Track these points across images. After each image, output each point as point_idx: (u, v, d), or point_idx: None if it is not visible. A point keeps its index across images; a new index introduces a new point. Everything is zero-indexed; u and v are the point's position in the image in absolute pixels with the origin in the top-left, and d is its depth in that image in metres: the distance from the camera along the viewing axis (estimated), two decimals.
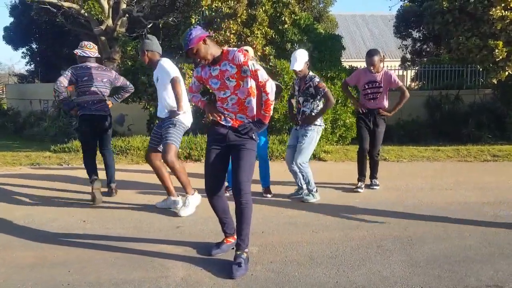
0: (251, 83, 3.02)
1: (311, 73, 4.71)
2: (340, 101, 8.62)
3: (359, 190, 5.11)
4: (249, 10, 8.47)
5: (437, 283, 2.81)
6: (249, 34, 8.27)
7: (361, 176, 5.22)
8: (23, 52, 19.07)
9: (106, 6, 11.99)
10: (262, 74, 2.95)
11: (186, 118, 4.33)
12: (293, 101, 4.96)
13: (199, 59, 2.96)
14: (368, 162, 5.29)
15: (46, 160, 7.16)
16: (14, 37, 17.93)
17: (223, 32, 8.04)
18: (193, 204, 4.29)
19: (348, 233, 3.71)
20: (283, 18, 8.70)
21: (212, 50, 2.94)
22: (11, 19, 17.87)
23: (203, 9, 8.33)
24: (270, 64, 8.35)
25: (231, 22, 8.11)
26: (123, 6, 12.39)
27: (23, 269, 2.99)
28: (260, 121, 3.06)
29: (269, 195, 4.93)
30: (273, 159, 7.02)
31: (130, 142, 7.76)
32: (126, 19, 12.95)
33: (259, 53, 8.38)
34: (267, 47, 8.54)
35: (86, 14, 12.56)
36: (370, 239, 3.58)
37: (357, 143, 5.47)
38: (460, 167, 6.70)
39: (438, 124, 10.20)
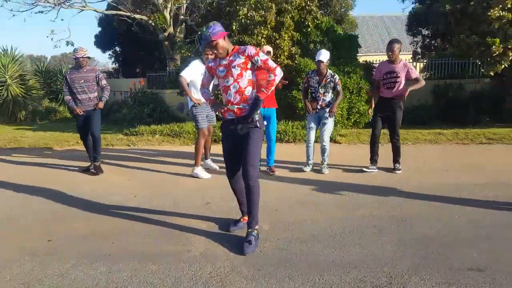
0: (253, 77, 2.80)
1: (330, 71, 4.62)
2: (354, 91, 8.07)
3: (366, 170, 4.67)
4: (278, 17, 7.99)
5: (423, 265, 2.46)
6: (277, 37, 7.83)
7: (372, 159, 4.74)
8: (109, 54, 19.57)
9: (168, 17, 11.94)
10: (271, 62, 2.78)
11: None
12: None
13: (215, 51, 2.72)
14: (391, 147, 4.76)
15: (118, 142, 7.21)
16: (102, 43, 18.44)
17: (255, 37, 7.64)
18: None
19: (350, 212, 3.38)
20: (307, 23, 8.14)
21: (227, 46, 2.74)
22: (99, 29, 18.33)
23: (240, 17, 7.94)
24: (296, 62, 7.90)
25: (262, 28, 7.69)
26: (181, 17, 12.28)
27: (77, 239, 2.91)
28: (257, 98, 2.76)
29: (274, 173, 4.67)
30: (296, 142, 6.70)
31: (183, 127, 7.62)
32: (184, 27, 12.87)
33: (286, 53, 7.94)
34: (294, 48, 8.07)
35: (153, 23, 12.56)
36: (369, 219, 3.23)
37: (370, 127, 5.03)
38: (458, 149, 6.05)
39: (443, 109, 9.50)
